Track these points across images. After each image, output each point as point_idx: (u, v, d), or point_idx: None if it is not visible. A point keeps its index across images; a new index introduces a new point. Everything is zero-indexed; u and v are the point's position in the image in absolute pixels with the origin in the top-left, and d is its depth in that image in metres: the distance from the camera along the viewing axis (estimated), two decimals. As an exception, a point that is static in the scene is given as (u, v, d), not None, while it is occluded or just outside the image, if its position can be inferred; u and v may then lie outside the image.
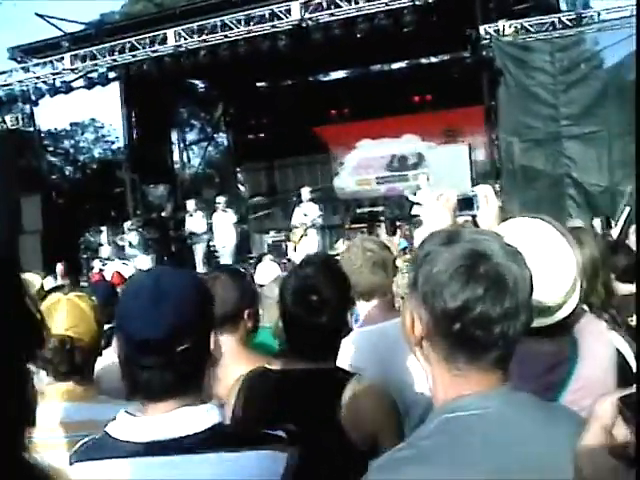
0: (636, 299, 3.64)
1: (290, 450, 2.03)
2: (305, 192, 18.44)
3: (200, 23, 18.10)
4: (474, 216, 2.78)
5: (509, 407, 1.64)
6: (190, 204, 19.88)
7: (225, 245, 18.99)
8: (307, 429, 2.43)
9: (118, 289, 5.97)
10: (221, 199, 19.54)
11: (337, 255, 4.57)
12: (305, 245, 17.41)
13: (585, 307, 2.82)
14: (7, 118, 21.32)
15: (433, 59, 25.10)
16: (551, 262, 2.34)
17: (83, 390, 2.80)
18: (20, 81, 20.37)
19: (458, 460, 1.57)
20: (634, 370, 3.01)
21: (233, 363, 3.17)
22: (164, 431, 1.91)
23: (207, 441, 1.92)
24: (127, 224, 20.32)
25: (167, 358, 1.91)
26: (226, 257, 18.64)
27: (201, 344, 1.99)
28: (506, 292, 1.59)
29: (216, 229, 19.22)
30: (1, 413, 1.09)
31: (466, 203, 2.79)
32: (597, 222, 11.01)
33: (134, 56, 18.95)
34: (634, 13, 15.50)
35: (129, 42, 18.95)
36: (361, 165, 24.59)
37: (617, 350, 2.79)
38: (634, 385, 1.18)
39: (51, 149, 35.73)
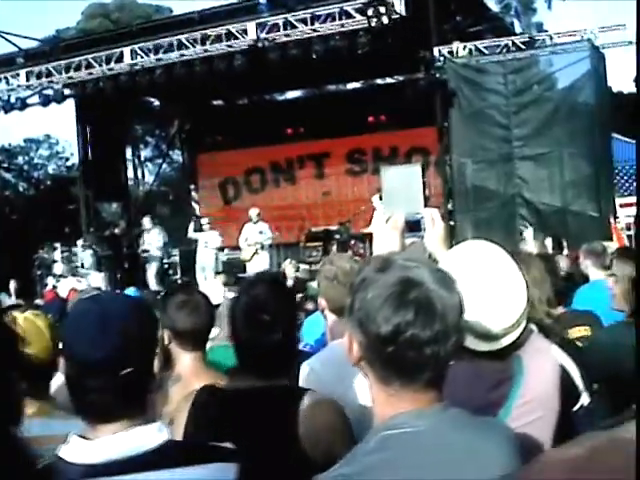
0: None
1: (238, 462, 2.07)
2: (253, 213, 18.45)
3: (156, 41, 18.07)
4: (422, 237, 2.85)
5: (442, 424, 1.73)
6: (146, 221, 19.82)
7: (205, 266, 18.69)
8: (257, 446, 2.47)
9: (72, 306, 5.98)
10: (205, 220, 19.41)
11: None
12: (256, 263, 17.44)
13: (532, 325, 2.90)
14: (-40, 134, 21.15)
15: (388, 80, 25.25)
16: (502, 290, 2.42)
17: (40, 406, 2.82)
18: (-26, 97, 20.17)
19: (396, 476, 1.66)
20: (577, 384, 3.11)
21: (195, 379, 3.22)
22: (116, 451, 1.93)
23: (160, 458, 1.94)
24: (80, 241, 20.20)
25: (111, 381, 1.93)
26: (209, 274, 18.09)
27: (146, 367, 2.02)
28: (436, 316, 1.67)
29: (199, 249, 19.05)
30: None
31: (414, 225, 2.87)
32: (548, 241, 11.12)
33: (90, 73, 18.85)
34: (584, 37, 15.84)
35: (85, 59, 18.86)
36: (315, 183, 24.68)
37: (561, 365, 2.88)
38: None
39: (5, 165, 35.47)
